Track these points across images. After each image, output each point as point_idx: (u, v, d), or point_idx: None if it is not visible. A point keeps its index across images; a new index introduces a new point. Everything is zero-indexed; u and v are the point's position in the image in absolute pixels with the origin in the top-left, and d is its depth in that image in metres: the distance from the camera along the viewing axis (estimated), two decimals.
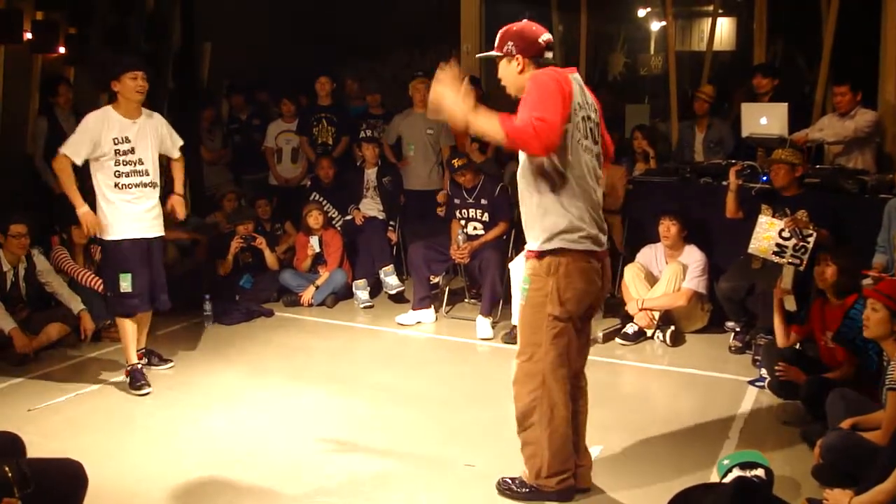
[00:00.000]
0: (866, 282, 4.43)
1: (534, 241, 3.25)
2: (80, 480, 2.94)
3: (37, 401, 4.69)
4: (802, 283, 4.98)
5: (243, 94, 8.59)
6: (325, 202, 7.15)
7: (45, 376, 5.17)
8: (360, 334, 6.12)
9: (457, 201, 6.34)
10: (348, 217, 7.13)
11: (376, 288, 6.97)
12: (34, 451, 3.31)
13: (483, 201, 6.17)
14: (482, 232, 6.22)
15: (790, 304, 4.86)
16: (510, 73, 3.15)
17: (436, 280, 6.67)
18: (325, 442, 4.12)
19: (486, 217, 6.21)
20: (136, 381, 4.87)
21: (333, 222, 7.14)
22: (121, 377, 5.02)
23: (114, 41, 7.72)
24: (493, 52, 3.16)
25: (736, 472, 3.15)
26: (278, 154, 7.86)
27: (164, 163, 5.18)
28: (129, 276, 4.82)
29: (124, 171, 4.76)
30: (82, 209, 4.74)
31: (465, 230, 6.23)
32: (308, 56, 9.11)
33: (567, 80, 3.04)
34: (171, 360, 5.33)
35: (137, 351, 5.03)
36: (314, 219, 6.79)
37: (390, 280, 6.82)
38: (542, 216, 3.18)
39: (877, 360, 4.00)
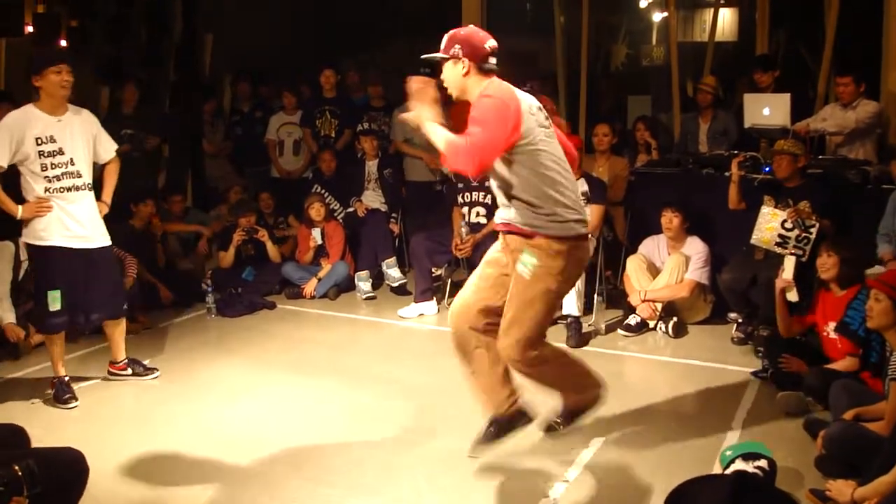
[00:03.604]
0: (871, 272, 4.41)
1: (533, 226, 3.31)
2: (81, 470, 2.96)
3: (40, 393, 4.70)
4: (805, 273, 4.98)
5: (249, 82, 8.56)
6: (326, 194, 7.14)
7: (47, 369, 5.17)
8: (363, 326, 6.13)
9: (460, 185, 6.30)
10: (350, 209, 7.13)
11: (378, 280, 6.98)
12: (37, 443, 3.32)
13: (488, 184, 6.14)
14: (485, 220, 6.19)
15: (792, 296, 4.86)
16: (455, 75, 3.28)
17: (438, 272, 6.66)
18: (328, 433, 4.13)
19: (489, 200, 6.17)
20: (62, 395, 4.55)
21: (335, 214, 7.14)
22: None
23: (115, 33, 7.71)
24: (440, 55, 3.30)
25: (739, 463, 3.14)
26: (280, 146, 7.86)
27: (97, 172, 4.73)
28: (57, 293, 4.43)
29: (54, 174, 4.34)
30: (19, 213, 4.34)
31: (467, 219, 6.20)
32: (309, 47, 9.09)
33: (514, 97, 3.19)
34: (157, 369, 4.99)
35: (119, 362, 4.91)
36: (316, 211, 6.79)
37: (392, 272, 6.82)
38: (542, 205, 3.27)
39: (880, 350, 4.00)
